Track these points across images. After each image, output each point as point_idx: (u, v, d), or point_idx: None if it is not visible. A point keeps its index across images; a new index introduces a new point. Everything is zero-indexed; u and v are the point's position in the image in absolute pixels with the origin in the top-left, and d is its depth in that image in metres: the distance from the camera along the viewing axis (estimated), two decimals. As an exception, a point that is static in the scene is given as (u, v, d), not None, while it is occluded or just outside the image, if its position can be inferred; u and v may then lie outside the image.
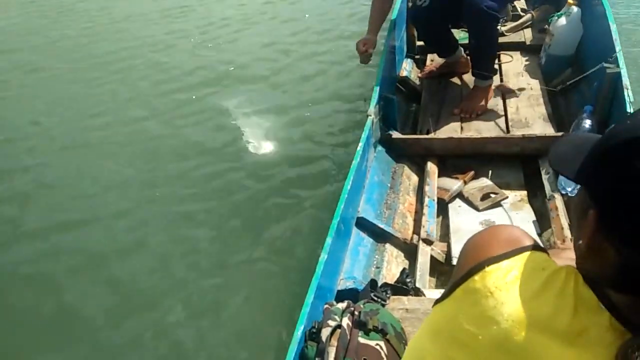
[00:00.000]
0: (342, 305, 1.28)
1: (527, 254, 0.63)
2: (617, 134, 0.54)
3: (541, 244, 0.69)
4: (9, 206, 2.60)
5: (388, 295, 1.48)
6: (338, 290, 1.56)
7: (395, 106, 2.27)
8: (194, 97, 3.46)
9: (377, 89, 2.23)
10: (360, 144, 1.97)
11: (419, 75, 2.80)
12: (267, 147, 2.87)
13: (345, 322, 1.20)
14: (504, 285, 0.60)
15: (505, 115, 2.33)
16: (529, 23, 2.97)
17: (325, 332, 1.18)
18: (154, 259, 2.22)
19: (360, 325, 1.18)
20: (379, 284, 1.57)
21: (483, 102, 2.37)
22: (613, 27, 2.14)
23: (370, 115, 2.10)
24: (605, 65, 1.92)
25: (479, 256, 0.65)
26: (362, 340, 1.16)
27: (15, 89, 3.77)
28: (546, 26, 2.63)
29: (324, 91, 3.37)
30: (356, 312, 1.23)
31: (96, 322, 1.96)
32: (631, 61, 2.39)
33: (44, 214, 2.52)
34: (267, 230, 2.30)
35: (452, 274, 0.73)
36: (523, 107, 2.35)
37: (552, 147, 0.69)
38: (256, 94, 3.41)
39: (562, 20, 2.47)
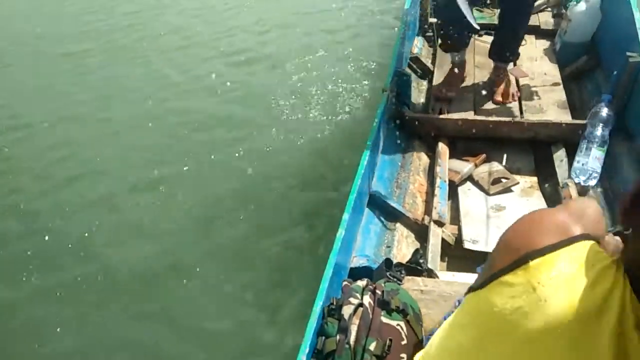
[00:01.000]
0: (362, 283, 1.26)
1: (575, 245, 0.59)
2: None
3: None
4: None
5: (403, 275, 1.46)
6: (351, 268, 1.54)
7: (410, 83, 2.22)
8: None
9: (393, 65, 2.17)
10: (376, 120, 1.92)
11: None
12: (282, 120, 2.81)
13: (367, 300, 1.18)
14: (547, 282, 0.57)
15: (520, 99, 2.30)
16: (544, 7, 2.92)
17: (347, 310, 1.16)
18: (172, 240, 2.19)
19: (383, 304, 1.16)
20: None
21: (513, 85, 2.33)
22: (637, 15, 2.10)
23: (386, 92, 2.05)
24: (629, 54, 1.89)
25: (524, 246, 0.62)
26: (384, 319, 1.15)
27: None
28: (563, 11, 2.58)
29: (339, 72, 3.30)
30: (378, 291, 1.21)
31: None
32: None
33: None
34: (282, 206, 2.27)
35: (487, 259, 0.70)
36: (537, 92, 2.32)
37: None
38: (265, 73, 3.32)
39: (581, 6, 2.43)
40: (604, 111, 1.86)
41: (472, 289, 0.68)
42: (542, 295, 0.57)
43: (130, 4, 4.43)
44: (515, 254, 0.62)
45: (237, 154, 2.64)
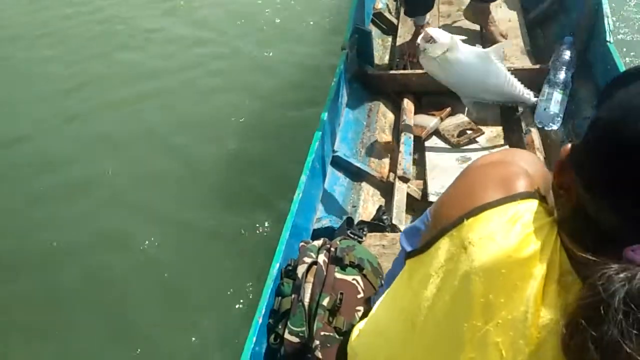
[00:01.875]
0: (318, 243, 1.26)
1: (515, 203, 0.56)
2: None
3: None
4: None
5: (364, 233, 1.46)
6: (314, 229, 1.54)
7: (371, 40, 2.17)
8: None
9: (351, 20, 2.11)
10: (335, 79, 1.89)
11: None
12: (238, 86, 2.75)
13: (322, 258, 1.18)
14: (478, 241, 0.55)
15: (483, 48, 2.26)
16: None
17: (301, 269, 1.16)
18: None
19: (336, 260, 1.16)
20: (356, 222, 1.56)
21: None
22: None
23: (345, 49, 2.01)
24: (587, -7, 1.85)
25: (465, 203, 0.59)
26: (338, 275, 1.15)
27: None
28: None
29: (292, 22, 3.21)
30: (332, 249, 1.21)
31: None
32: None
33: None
34: (243, 174, 2.25)
35: (430, 216, 0.67)
36: (498, 39, 2.27)
37: None
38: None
39: (543, -54, 2.37)
40: (566, 54, 1.83)
41: (411, 254, 0.65)
42: (471, 255, 0.54)
43: None
44: (456, 212, 0.59)
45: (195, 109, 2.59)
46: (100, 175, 2.36)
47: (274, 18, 3.32)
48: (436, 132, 2.03)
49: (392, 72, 2.21)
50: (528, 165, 0.64)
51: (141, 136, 2.56)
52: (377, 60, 2.35)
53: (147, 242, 2.01)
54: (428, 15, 2.28)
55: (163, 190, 2.25)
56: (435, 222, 0.64)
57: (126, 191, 2.27)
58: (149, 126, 2.62)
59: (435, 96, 2.14)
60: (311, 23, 3.23)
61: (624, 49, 2.35)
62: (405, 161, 1.84)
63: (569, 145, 0.52)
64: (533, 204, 0.56)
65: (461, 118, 2.03)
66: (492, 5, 2.47)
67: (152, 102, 2.78)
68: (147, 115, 2.70)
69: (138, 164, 2.41)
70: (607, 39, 1.76)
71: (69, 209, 2.23)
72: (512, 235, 0.53)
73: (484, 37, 2.32)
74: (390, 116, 2.14)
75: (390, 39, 2.58)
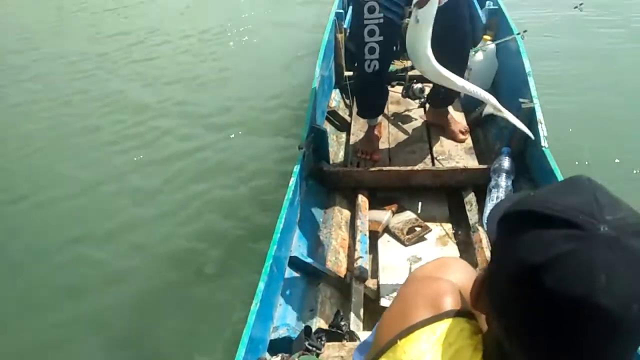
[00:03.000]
0: (276, 361, 1.22)
1: (441, 322, 0.59)
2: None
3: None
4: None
5: (323, 343, 1.44)
6: (271, 340, 1.50)
7: (327, 138, 2.27)
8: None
9: (308, 121, 2.21)
10: (293, 179, 1.93)
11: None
12: (195, 184, 2.75)
13: (280, 382, 1.14)
14: None
15: (430, 147, 2.41)
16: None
17: (258, 396, 1.11)
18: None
19: (295, 384, 1.13)
20: (314, 329, 1.53)
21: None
22: (526, 63, 2.28)
23: (302, 148, 2.08)
24: (521, 100, 2.04)
25: (398, 324, 0.61)
26: (297, 400, 1.11)
27: None
28: (466, 60, 2.76)
29: (252, 124, 3.31)
30: (291, 369, 1.17)
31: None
32: (545, 95, 2.53)
33: None
34: (199, 278, 2.20)
35: (374, 333, 0.69)
36: (446, 139, 2.44)
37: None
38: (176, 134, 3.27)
39: (479, 55, 2.62)
40: (505, 162, 1.98)
41: None
42: None
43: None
44: (391, 332, 0.61)
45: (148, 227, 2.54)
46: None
47: (234, 118, 3.40)
48: (387, 230, 2.08)
49: (347, 168, 2.30)
50: (460, 277, 0.66)
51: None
52: (332, 156, 2.44)
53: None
54: (380, 118, 2.43)
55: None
56: (376, 341, 0.66)
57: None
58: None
59: (389, 192, 2.23)
60: (272, 119, 3.35)
61: (559, 150, 2.54)
62: (362, 260, 1.87)
63: (485, 270, 0.54)
64: (459, 323, 0.58)
65: (409, 215, 2.10)
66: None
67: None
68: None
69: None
70: (542, 144, 1.92)
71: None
72: (440, 355, 0.55)
73: (431, 136, 2.48)
74: (346, 212, 2.19)
75: (344, 135, 2.71)
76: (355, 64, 2.24)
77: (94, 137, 3.28)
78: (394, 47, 2.19)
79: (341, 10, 3.00)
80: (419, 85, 2.81)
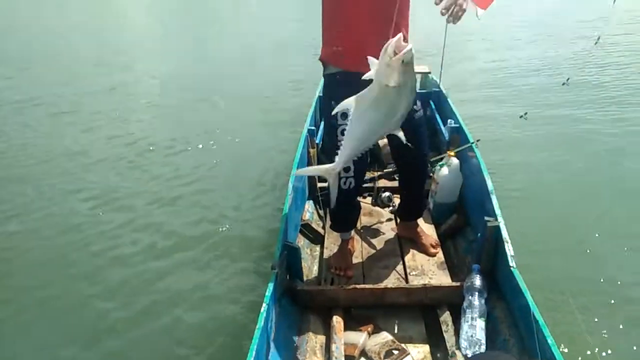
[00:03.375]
0: None
1: None
2: None
3: None
4: None
5: None
6: None
7: (300, 256, 2.26)
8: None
9: (281, 238, 2.21)
10: (265, 304, 1.88)
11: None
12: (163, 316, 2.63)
13: None
14: None
15: (403, 262, 2.43)
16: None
17: None
18: None
19: None
20: None
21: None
22: (488, 181, 2.40)
23: (275, 269, 2.06)
24: (487, 218, 2.11)
25: None
26: None
27: None
28: (431, 174, 2.90)
29: (224, 242, 3.24)
30: None
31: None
32: (510, 211, 2.62)
33: None
34: None
35: None
36: (418, 252, 2.48)
37: None
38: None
39: (444, 170, 2.75)
40: (477, 281, 2.00)
41: None
42: None
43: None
44: None
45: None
46: None
47: (208, 240, 3.29)
48: (364, 354, 2.02)
49: (320, 287, 2.27)
50: None
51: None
52: (305, 271, 2.43)
53: None
54: (353, 231, 2.47)
55: None
56: None
57: None
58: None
59: (363, 309, 2.19)
60: (245, 234, 3.32)
61: (528, 266, 2.56)
62: (338, 392, 1.78)
63: None
64: None
65: (385, 336, 2.05)
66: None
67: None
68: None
69: None
70: (510, 264, 1.96)
71: None
72: None
73: (403, 250, 2.52)
74: (321, 336, 2.12)
75: (318, 248, 2.72)
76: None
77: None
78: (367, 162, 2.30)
79: (313, 127, 3.16)
80: (387, 193, 2.93)
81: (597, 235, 3.07)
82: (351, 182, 2.16)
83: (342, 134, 2.04)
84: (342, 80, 2.03)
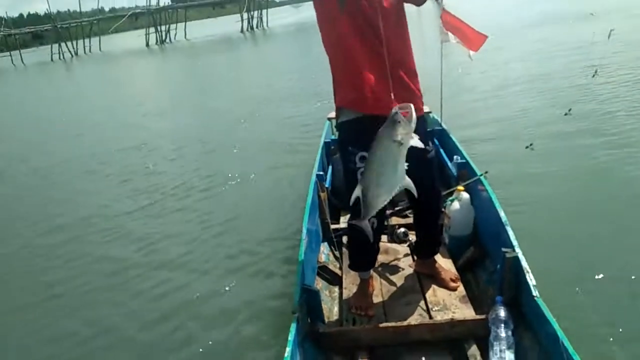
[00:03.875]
0: None
1: None
2: None
3: None
4: None
5: None
6: None
7: (320, 298, 2.26)
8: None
9: (299, 282, 2.22)
10: (288, 349, 1.87)
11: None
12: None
13: None
14: None
15: (424, 298, 2.41)
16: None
17: None
18: None
19: None
20: None
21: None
22: (501, 212, 2.42)
23: (296, 313, 2.05)
24: (504, 250, 2.12)
25: None
26: None
27: None
28: (443, 209, 2.92)
29: (243, 288, 3.28)
30: None
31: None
32: (529, 239, 2.60)
33: None
34: None
35: None
36: (438, 288, 2.46)
37: None
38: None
39: (456, 205, 2.78)
40: (501, 312, 1.98)
41: None
42: None
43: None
44: None
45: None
46: None
47: (228, 287, 3.35)
48: (395, 393, 1.98)
49: (342, 328, 2.25)
50: None
51: None
52: (326, 313, 2.41)
53: None
54: (371, 270, 2.47)
55: None
56: None
57: None
58: None
59: (388, 349, 2.16)
60: (263, 279, 3.34)
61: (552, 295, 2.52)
62: None
63: None
64: None
65: (417, 376, 2.02)
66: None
67: None
68: None
69: None
70: (534, 293, 1.95)
71: None
72: None
73: (423, 286, 2.50)
74: (348, 379, 2.09)
75: (336, 289, 2.70)
76: (350, 222, 2.33)
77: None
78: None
79: (321, 172, 3.23)
80: (403, 229, 2.94)
81: (619, 260, 3.03)
82: (374, 222, 2.19)
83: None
84: (357, 127, 2.10)
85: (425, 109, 4.59)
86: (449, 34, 3.54)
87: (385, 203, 1.76)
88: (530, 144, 3.10)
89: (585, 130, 5.35)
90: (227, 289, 3.27)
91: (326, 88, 2.25)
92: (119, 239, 4.33)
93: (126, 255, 3.99)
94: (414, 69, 2.16)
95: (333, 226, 3.07)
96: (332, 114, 4.15)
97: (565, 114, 3.31)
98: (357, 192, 1.72)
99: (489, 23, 12.28)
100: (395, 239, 2.95)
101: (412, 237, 2.85)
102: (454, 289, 2.43)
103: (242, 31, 39.46)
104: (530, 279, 2.01)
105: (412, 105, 1.59)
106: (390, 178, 1.66)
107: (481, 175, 2.84)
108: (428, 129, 4.22)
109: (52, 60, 40.76)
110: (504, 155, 4.98)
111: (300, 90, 10.32)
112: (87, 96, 16.47)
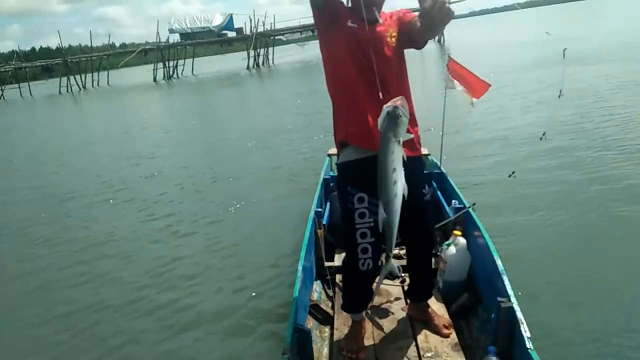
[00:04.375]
0: None
1: None
2: None
3: None
4: None
5: None
6: None
7: (311, 339, 2.21)
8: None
9: (291, 321, 2.18)
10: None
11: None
12: None
13: None
14: None
15: (416, 343, 2.36)
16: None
17: None
18: None
19: None
20: None
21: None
22: (498, 261, 2.40)
23: (287, 354, 2.00)
24: (500, 299, 2.09)
25: None
26: None
27: None
28: (439, 253, 2.91)
29: (233, 323, 3.25)
30: None
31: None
32: (524, 290, 2.61)
33: None
34: None
35: None
36: (431, 334, 2.42)
37: None
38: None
39: (452, 249, 2.76)
40: (494, 362, 1.94)
41: None
42: None
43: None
44: None
45: None
46: None
47: (219, 321, 3.34)
48: None
49: (332, 370, 2.20)
50: None
51: None
52: (316, 354, 2.35)
53: None
54: (363, 313, 2.43)
55: None
56: None
57: None
58: None
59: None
60: (256, 315, 3.31)
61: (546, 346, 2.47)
62: None
63: None
64: None
65: None
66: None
67: None
68: None
69: None
70: (527, 345, 1.91)
71: None
72: None
73: (415, 331, 2.46)
74: None
75: (327, 329, 2.65)
76: (345, 262, 2.32)
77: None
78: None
79: (320, 209, 3.23)
80: (395, 264, 2.91)
81: (612, 303, 2.99)
82: (369, 263, 2.18)
83: (360, 217, 2.12)
84: (357, 168, 2.12)
85: (424, 151, 4.68)
86: (454, 81, 3.64)
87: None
88: (513, 172, 3.18)
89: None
90: (217, 324, 3.24)
91: (329, 123, 2.28)
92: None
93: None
94: (413, 113, 2.21)
95: (327, 264, 3.04)
96: (332, 150, 4.21)
97: (541, 139, 3.39)
98: (381, 214, 1.78)
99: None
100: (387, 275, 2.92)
101: (405, 273, 2.82)
102: (447, 336, 2.39)
103: (248, 68, 40.32)
104: (525, 331, 1.97)
105: (403, 97, 1.68)
106: (401, 183, 1.73)
107: (469, 207, 2.86)
108: (427, 171, 4.29)
109: (60, 92, 41.44)
110: (490, 186, 5.10)
111: (302, 125, 10.53)
112: (89, 127, 16.85)
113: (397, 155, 1.68)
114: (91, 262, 4.60)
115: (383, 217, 1.77)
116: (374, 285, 2.22)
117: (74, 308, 3.74)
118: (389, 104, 1.64)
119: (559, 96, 3.30)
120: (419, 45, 2.09)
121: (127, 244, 4.96)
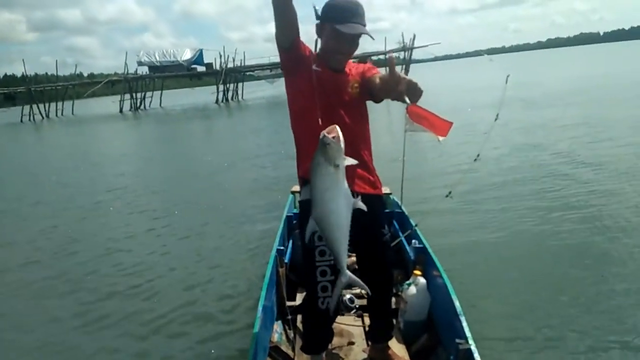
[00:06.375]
0: None
1: None
2: None
3: None
4: None
5: None
6: None
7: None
8: None
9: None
10: None
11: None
12: None
13: None
14: None
15: None
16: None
17: None
18: None
19: None
20: None
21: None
22: (456, 302, 2.42)
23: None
24: (457, 341, 2.11)
25: None
26: None
27: None
28: (399, 293, 2.93)
29: None
30: None
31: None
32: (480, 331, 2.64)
33: None
34: None
35: None
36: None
37: None
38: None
39: (412, 289, 2.79)
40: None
41: None
42: None
43: None
44: None
45: None
46: None
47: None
48: None
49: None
50: None
51: None
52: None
53: None
54: (324, 354, 2.40)
55: None
56: None
57: None
58: None
59: None
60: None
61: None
62: None
63: None
64: None
65: None
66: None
67: None
68: None
69: None
70: (484, 389, 1.93)
71: None
72: None
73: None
74: None
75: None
76: (305, 300, 2.31)
77: None
78: None
79: (282, 247, 3.22)
80: (349, 296, 2.93)
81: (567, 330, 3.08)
82: (329, 302, 2.16)
83: (321, 254, 2.12)
84: None
85: (386, 190, 4.76)
86: (415, 124, 3.75)
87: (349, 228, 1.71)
88: (449, 192, 3.30)
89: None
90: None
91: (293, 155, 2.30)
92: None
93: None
94: (371, 154, 2.27)
95: (289, 303, 3.00)
96: (296, 187, 4.22)
97: (475, 160, 3.55)
98: (311, 226, 1.70)
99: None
100: (342, 307, 2.92)
101: (360, 302, 2.85)
102: None
103: (217, 102, 40.40)
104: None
105: (337, 126, 1.66)
106: (340, 201, 1.67)
107: (415, 225, 3.01)
108: (388, 210, 4.35)
109: (21, 121, 40.31)
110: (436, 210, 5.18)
111: (268, 158, 10.66)
112: (46, 155, 16.34)
113: (331, 177, 1.65)
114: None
115: (312, 229, 1.73)
116: (331, 301, 2.16)
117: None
118: (323, 132, 1.65)
119: (495, 119, 3.44)
120: (377, 100, 2.17)
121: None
